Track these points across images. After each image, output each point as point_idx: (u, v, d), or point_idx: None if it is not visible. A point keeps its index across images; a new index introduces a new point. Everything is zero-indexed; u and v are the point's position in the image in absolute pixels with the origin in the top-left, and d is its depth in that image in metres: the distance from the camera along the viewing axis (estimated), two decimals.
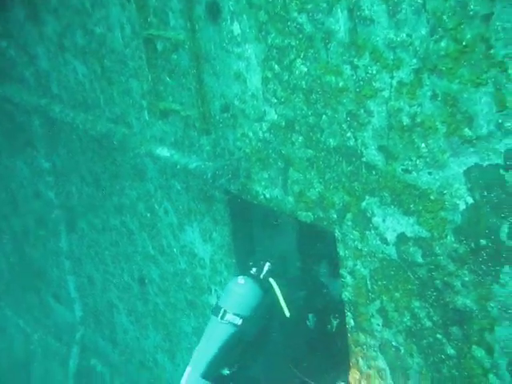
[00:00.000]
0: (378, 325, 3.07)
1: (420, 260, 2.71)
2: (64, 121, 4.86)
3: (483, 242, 2.40)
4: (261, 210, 4.21)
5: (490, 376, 2.59)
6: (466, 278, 2.54)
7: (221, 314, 3.63)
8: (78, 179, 5.24)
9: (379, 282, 2.97)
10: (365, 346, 3.20)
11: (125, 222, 4.89)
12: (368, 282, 3.03)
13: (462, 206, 2.44)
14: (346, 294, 3.19)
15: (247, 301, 3.64)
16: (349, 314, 3.23)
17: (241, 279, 3.73)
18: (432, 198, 2.54)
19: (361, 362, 3.26)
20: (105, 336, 5.86)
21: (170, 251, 4.53)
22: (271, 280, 3.69)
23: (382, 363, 3.14)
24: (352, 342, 3.27)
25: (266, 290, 3.69)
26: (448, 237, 2.54)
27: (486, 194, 2.33)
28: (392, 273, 2.89)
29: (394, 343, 3.03)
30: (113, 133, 4.35)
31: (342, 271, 3.16)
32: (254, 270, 3.79)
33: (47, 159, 5.53)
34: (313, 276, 4.00)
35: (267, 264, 3.79)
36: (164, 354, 5.12)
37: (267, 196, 3.42)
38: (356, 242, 3.00)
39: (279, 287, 3.69)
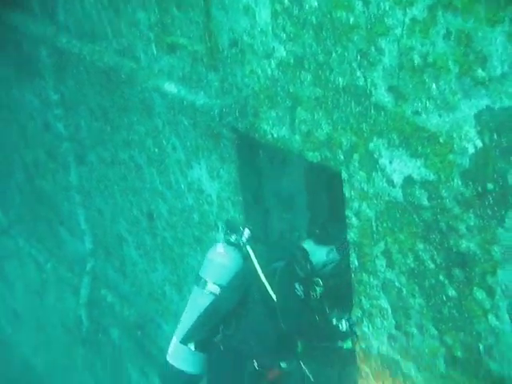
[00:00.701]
0: (382, 266, 3.09)
1: (426, 203, 2.69)
2: (71, 51, 4.78)
3: (490, 186, 2.37)
4: (268, 149, 4.19)
5: (490, 317, 2.62)
6: (471, 222, 2.52)
7: (201, 284, 3.67)
8: (86, 112, 5.20)
9: (384, 224, 2.97)
10: (368, 286, 3.23)
11: (133, 156, 4.88)
12: (373, 224, 3.03)
13: (471, 150, 2.39)
14: (351, 235, 3.20)
15: (227, 270, 3.64)
16: (353, 254, 3.24)
17: (220, 248, 3.73)
18: (441, 140, 2.49)
19: (363, 300, 3.30)
20: (115, 268, 5.98)
21: (178, 187, 4.54)
22: (249, 249, 3.62)
23: (384, 303, 3.18)
24: (355, 281, 3.30)
25: (246, 257, 3.64)
26: (455, 180, 2.50)
27: (495, 137, 2.28)
28: (397, 215, 2.87)
29: (396, 284, 3.05)
30: (120, 66, 4.28)
31: (348, 212, 3.15)
32: (233, 237, 3.74)
33: (56, 91, 5.48)
34: (294, 242, 3.89)
35: (247, 230, 3.72)
36: (172, 287, 5.23)
37: (274, 135, 3.37)
38: (362, 184, 2.98)
39: (258, 256, 3.60)
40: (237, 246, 3.71)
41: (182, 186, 4.50)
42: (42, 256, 7.15)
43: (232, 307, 3.60)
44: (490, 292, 2.57)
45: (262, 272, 3.53)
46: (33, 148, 6.29)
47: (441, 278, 2.78)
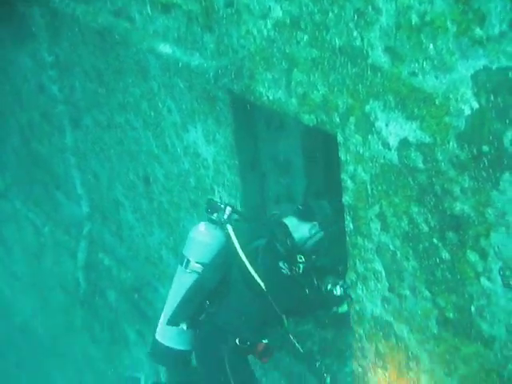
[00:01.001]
0: (376, 229, 3.09)
1: (421, 166, 2.68)
2: (65, 12, 4.69)
3: (486, 148, 2.35)
4: (264, 112, 4.15)
5: (482, 279, 2.64)
6: (466, 185, 2.52)
7: (184, 263, 3.65)
8: (81, 74, 5.13)
9: (379, 187, 2.96)
10: (362, 249, 3.25)
11: (129, 119, 4.84)
12: (368, 187, 3.02)
13: (467, 112, 2.36)
14: (347, 199, 3.19)
15: (209, 248, 3.61)
16: (348, 217, 3.25)
17: (202, 226, 3.69)
18: (437, 102, 2.46)
19: (358, 264, 3.32)
20: (112, 232, 5.99)
21: (174, 151, 4.52)
22: (229, 228, 3.58)
23: (378, 266, 3.20)
24: (350, 244, 3.32)
25: (229, 235, 3.59)
26: (450, 142, 2.49)
27: (492, 98, 2.25)
28: (392, 178, 2.86)
29: (390, 247, 3.06)
30: (115, 27, 4.21)
31: (343, 176, 3.14)
32: (215, 215, 3.69)
33: (50, 52, 5.39)
34: (275, 220, 3.79)
35: (228, 208, 3.68)
36: (168, 251, 5.25)
37: (270, 97, 3.34)
38: (358, 147, 2.96)
39: (240, 234, 3.56)
40: (218, 224, 3.67)
41: (178, 150, 4.48)
42: (39, 219, 7.16)
43: (214, 286, 3.60)
44: (483, 254, 2.58)
45: (243, 251, 3.50)
46: (28, 110, 6.23)
47: (434, 240, 2.79)
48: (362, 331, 3.52)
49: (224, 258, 3.62)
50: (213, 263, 3.64)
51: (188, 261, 3.66)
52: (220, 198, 4.23)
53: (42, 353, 9.05)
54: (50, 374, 9.18)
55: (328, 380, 4.14)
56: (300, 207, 3.82)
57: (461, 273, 2.73)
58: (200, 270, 3.63)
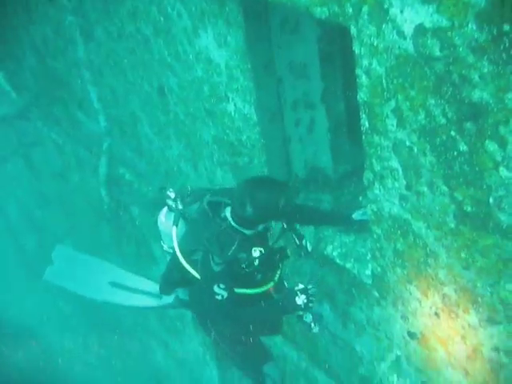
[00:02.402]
0: (393, 125, 3.00)
1: (438, 53, 2.54)
2: None
3: (506, 27, 2.21)
4: (277, 14, 3.99)
5: (501, 169, 2.56)
6: (485, 70, 2.39)
7: (162, 245, 3.78)
8: None
9: (395, 81, 2.84)
10: (379, 148, 3.17)
11: (139, 28, 4.71)
12: (383, 81, 2.90)
13: None
14: (361, 96, 3.09)
15: (170, 236, 3.56)
16: (363, 115, 3.15)
17: (161, 215, 3.68)
18: None
19: (374, 163, 3.25)
20: (131, 147, 5.99)
21: (186, 58, 4.40)
22: (173, 230, 3.50)
23: (395, 163, 3.13)
24: (366, 143, 3.24)
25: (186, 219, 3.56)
26: (469, 24, 2.34)
27: None
28: (408, 69, 2.74)
29: (407, 143, 2.98)
30: None
31: (358, 71, 3.02)
32: (172, 203, 3.60)
33: None
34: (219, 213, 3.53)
35: (171, 194, 3.59)
36: (187, 163, 5.25)
37: None
38: (372, 38, 2.82)
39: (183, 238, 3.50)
40: (176, 211, 3.58)
41: (191, 57, 4.36)
42: (60, 138, 7.19)
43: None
44: (502, 143, 2.49)
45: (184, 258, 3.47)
46: (39, 24, 6.10)
47: (452, 133, 2.69)
48: (380, 231, 3.50)
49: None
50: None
51: (162, 243, 3.76)
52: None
53: None
54: None
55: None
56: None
57: (479, 164, 2.64)
58: (170, 250, 3.67)
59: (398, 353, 3.95)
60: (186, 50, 4.36)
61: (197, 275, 3.43)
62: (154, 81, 4.96)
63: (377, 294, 3.85)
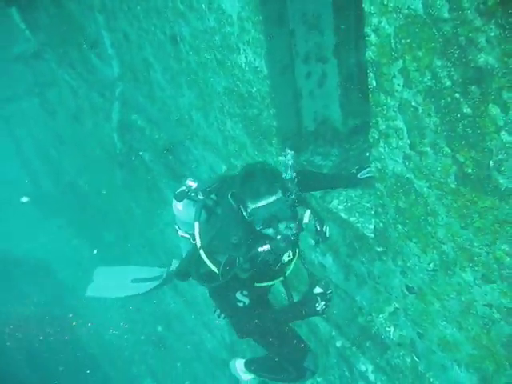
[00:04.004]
0: (399, 85, 3.01)
1: (446, 15, 2.54)
2: None
3: None
4: None
5: (502, 133, 2.59)
6: (492, 33, 2.39)
7: (177, 229, 3.67)
8: None
9: (403, 41, 2.84)
10: (385, 107, 3.19)
11: None
12: (392, 41, 2.90)
13: None
14: (370, 54, 3.09)
15: (187, 224, 3.49)
16: (371, 74, 3.16)
17: (179, 204, 3.53)
18: None
19: (380, 121, 3.28)
20: (143, 93, 6.02)
21: (199, 7, 4.38)
22: (195, 225, 3.33)
23: (400, 123, 3.16)
24: (373, 102, 3.26)
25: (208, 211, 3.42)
26: None
27: None
28: (417, 30, 2.73)
29: (413, 103, 3.00)
30: None
31: (367, 29, 3.01)
32: (192, 191, 3.44)
33: None
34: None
35: (192, 183, 3.42)
36: (198, 112, 5.28)
37: None
38: None
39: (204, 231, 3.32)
40: (195, 200, 3.45)
41: (203, 6, 4.34)
42: (74, 81, 7.23)
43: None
44: (505, 108, 2.51)
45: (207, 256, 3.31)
46: None
47: (456, 95, 2.71)
48: (383, 188, 3.56)
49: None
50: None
51: (178, 228, 3.69)
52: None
53: (89, 209, 9.59)
54: (97, 229, 9.76)
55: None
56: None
57: (481, 127, 2.67)
58: (186, 235, 3.62)
59: (396, 305, 4.08)
60: None
61: (217, 271, 3.27)
62: (166, 29, 4.95)
63: (378, 249, 3.94)
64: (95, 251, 9.99)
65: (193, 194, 3.40)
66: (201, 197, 3.40)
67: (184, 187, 3.44)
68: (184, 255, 3.83)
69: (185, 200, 3.48)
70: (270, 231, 3.20)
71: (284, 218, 3.18)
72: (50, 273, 11.81)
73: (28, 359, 9.80)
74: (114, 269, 4.87)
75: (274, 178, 3.20)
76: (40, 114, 10.29)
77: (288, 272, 3.65)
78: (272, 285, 3.65)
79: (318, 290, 3.47)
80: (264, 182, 3.13)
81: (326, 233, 3.62)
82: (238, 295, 3.30)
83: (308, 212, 3.34)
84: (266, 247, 3.18)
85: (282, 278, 3.62)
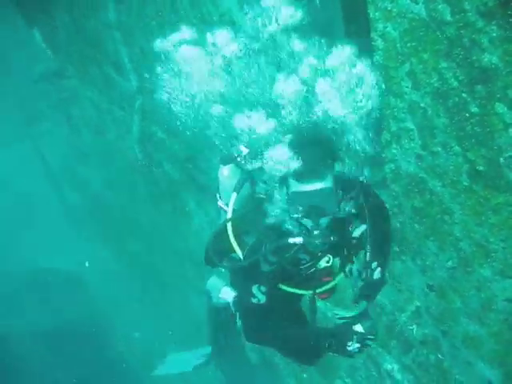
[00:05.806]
0: (407, 87, 3.07)
1: (449, 18, 2.60)
2: None
3: None
4: None
5: (510, 130, 2.64)
6: (494, 34, 2.45)
7: (218, 198, 3.07)
8: None
9: (408, 44, 2.90)
10: (395, 109, 3.25)
11: None
12: (398, 45, 2.96)
13: None
14: (377, 58, 3.15)
15: (226, 189, 2.98)
16: (380, 78, 3.21)
17: (225, 169, 3.00)
18: None
19: (391, 123, 3.34)
20: (162, 104, 6.13)
21: (210, 20, 4.48)
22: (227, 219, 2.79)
23: (410, 124, 3.21)
24: (383, 105, 3.31)
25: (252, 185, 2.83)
26: None
27: None
28: (421, 33, 2.80)
29: (421, 105, 3.06)
30: None
31: (373, 34, 3.07)
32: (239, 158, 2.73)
33: None
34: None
35: (244, 149, 2.65)
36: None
37: None
38: (386, 3, 2.87)
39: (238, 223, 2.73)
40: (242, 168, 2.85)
41: (214, 19, 4.44)
42: (95, 96, 7.40)
43: None
44: (511, 105, 2.55)
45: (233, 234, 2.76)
46: None
47: (463, 95, 2.76)
48: (398, 189, 3.61)
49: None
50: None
51: (217, 198, 3.08)
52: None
53: (113, 220, 9.76)
54: (122, 238, 9.92)
55: None
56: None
57: (489, 125, 2.72)
58: (224, 208, 3.02)
59: (418, 304, 4.11)
60: (210, 11, 4.43)
61: (241, 256, 2.75)
62: None
63: (397, 249, 3.98)
64: (87, 263, 10.41)
65: (242, 162, 2.75)
66: (249, 167, 2.73)
67: (233, 152, 2.76)
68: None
69: (233, 167, 2.93)
70: (308, 222, 2.58)
71: (328, 213, 2.54)
72: (83, 284, 12.03)
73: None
74: (184, 354, 5.25)
75: (328, 156, 2.48)
76: (64, 130, 10.52)
77: (321, 290, 2.91)
78: (301, 294, 2.96)
79: (358, 327, 2.74)
80: (312, 161, 2.44)
81: (374, 271, 2.74)
82: (255, 289, 2.75)
83: (363, 227, 2.69)
84: (298, 240, 2.57)
85: (310, 292, 2.90)
